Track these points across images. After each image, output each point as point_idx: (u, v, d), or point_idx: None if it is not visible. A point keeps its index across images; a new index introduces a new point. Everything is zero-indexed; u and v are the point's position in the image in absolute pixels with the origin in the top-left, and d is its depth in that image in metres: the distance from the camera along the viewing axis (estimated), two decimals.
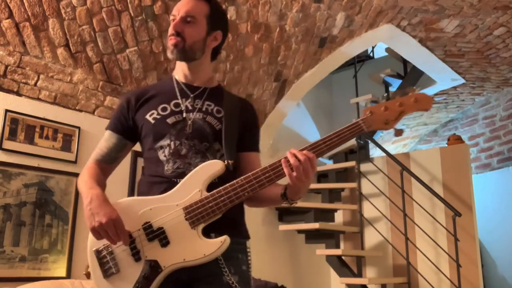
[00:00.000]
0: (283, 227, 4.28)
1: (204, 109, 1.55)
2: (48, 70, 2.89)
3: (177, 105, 1.55)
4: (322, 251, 4.10)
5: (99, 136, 3.05)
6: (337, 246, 4.20)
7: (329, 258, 4.14)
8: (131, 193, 3.21)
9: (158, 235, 1.37)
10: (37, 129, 2.82)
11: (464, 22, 3.99)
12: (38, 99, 2.87)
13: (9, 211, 2.63)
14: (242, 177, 1.38)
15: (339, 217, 4.79)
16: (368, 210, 4.51)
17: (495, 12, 3.82)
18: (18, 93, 2.79)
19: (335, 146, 1.39)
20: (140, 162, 3.26)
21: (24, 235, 2.66)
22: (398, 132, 1.43)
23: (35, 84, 2.86)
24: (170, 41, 1.53)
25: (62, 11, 2.79)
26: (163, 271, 1.35)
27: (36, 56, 2.83)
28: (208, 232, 1.38)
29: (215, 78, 1.69)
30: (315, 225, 4.01)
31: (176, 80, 1.62)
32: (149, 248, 1.37)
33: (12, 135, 2.71)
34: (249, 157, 1.58)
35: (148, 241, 1.37)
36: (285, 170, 1.33)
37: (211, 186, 1.40)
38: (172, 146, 1.48)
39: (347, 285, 4.02)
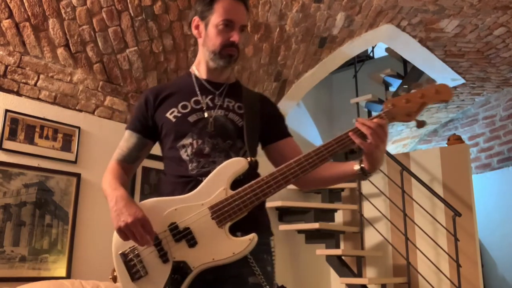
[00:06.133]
0: (283, 227, 4.28)
1: (225, 105, 1.53)
2: (48, 70, 2.89)
3: (197, 102, 1.52)
4: (322, 251, 4.10)
5: (99, 136, 3.09)
6: (337, 246, 4.20)
7: (329, 258, 4.14)
8: (131, 190, 3.20)
9: (185, 236, 1.36)
10: (37, 129, 2.82)
11: (464, 22, 3.99)
12: (38, 99, 2.87)
13: (9, 211, 2.63)
14: (267, 174, 1.38)
15: (339, 217, 4.79)
16: (368, 210, 4.51)
17: (495, 12, 3.82)
18: (18, 93, 2.79)
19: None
20: (139, 169, 3.25)
21: (24, 235, 2.66)
22: (420, 124, 1.40)
23: (35, 84, 2.85)
24: (228, 51, 1.50)
25: (62, 11, 2.79)
26: (193, 271, 1.34)
27: (36, 56, 2.83)
28: (234, 231, 1.37)
29: (233, 73, 1.67)
30: (315, 225, 4.01)
31: (196, 76, 1.59)
32: (177, 249, 1.36)
33: (12, 135, 2.71)
34: (286, 144, 1.58)
35: (175, 242, 1.36)
36: (357, 141, 1.33)
37: (235, 183, 1.39)
38: (195, 145, 1.46)
39: (347, 285, 4.02)
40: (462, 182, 4.19)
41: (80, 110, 3.06)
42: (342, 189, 4.77)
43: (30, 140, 2.77)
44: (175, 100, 1.53)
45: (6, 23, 2.66)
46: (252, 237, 1.34)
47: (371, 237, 4.52)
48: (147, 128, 1.55)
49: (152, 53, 3.23)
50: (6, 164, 2.66)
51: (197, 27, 1.56)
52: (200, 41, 1.57)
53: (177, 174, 1.47)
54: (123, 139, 1.58)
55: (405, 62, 5.33)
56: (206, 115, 1.49)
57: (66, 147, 2.93)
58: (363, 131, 1.32)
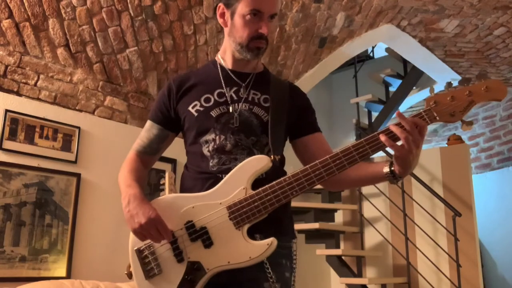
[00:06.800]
0: None
1: (250, 98, 1.44)
2: (48, 70, 2.89)
3: (221, 95, 1.44)
4: (322, 251, 4.10)
5: (99, 136, 3.09)
6: (337, 246, 4.20)
7: (329, 258, 4.14)
8: None
9: (201, 235, 1.31)
10: (37, 129, 2.82)
11: (464, 22, 3.99)
12: (38, 99, 2.87)
13: (9, 211, 2.63)
14: (290, 175, 1.29)
15: (339, 217, 4.79)
16: (368, 210, 4.51)
17: (495, 12, 3.82)
18: (18, 93, 2.79)
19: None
20: None
21: (24, 235, 2.66)
22: (468, 125, 1.24)
23: (35, 84, 2.86)
24: (256, 44, 1.40)
25: (62, 11, 2.79)
26: (207, 273, 1.29)
27: (36, 56, 2.83)
28: (252, 233, 1.31)
29: (260, 61, 1.56)
30: (315, 225, 4.01)
31: (221, 66, 1.50)
32: (192, 249, 1.31)
33: (12, 135, 2.71)
34: (314, 139, 1.50)
35: (191, 241, 1.31)
36: (387, 143, 1.21)
37: (256, 182, 1.32)
38: (217, 141, 1.39)
39: (347, 285, 4.02)
40: (462, 182, 4.19)
41: (80, 110, 3.06)
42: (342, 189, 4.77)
43: (30, 140, 2.77)
44: (198, 92, 1.45)
45: (6, 23, 2.66)
46: (271, 242, 1.27)
47: (371, 237, 4.52)
48: (169, 119, 1.49)
49: (152, 53, 3.23)
50: (6, 164, 2.66)
51: (222, 15, 1.46)
52: (226, 30, 1.47)
53: (198, 170, 1.42)
54: (144, 128, 1.52)
55: (405, 62, 5.33)
56: (230, 109, 1.41)
57: (66, 147, 2.93)
58: (396, 133, 1.20)
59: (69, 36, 2.88)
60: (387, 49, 5.21)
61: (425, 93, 5.32)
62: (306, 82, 4.31)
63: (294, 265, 1.41)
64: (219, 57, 1.53)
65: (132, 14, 3.00)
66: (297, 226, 4.17)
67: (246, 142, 1.40)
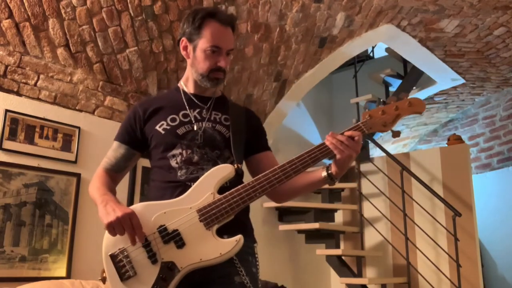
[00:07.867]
0: (283, 227, 4.28)
1: (212, 118, 1.60)
2: (48, 70, 2.89)
3: (185, 115, 1.59)
4: (322, 251, 4.10)
5: (99, 136, 3.09)
6: (337, 246, 4.20)
7: (329, 258, 4.14)
8: (130, 199, 3.19)
9: (174, 237, 1.40)
10: (37, 129, 2.82)
11: (464, 22, 3.99)
12: (38, 99, 2.87)
13: (9, 211, 2.63)
14: (253, 179, 1.45)
15: (339, 217, 4.79)
16: (368, 210, 4.51)
17: (495, 12, 3.82)
18: (18, 93, 2.79)
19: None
20: (139, 169, 3.25)
21: (24, 235, 2.66)
22: (396, 134, 1.50)
23: (35, 84, 2.85)
24: (215, 75, 1.57)
25: (62, 11, 2.79)
26: (181, 271, 1.38)
27: (36, 56, 2.83)
28: (220, 234, 1.42)
29: (219, 87, 1.74)
30: (315, 225, 4.01)
31: (184, 91, 1.65)
32: (165, 250, 1.40)
33: (12, 135, 2.71)
34: (266, 156, 1.67)
35: (164, 243, 1.40)
36: (331, 146, 1.41)
37: (222, 190, 1.44)
38: (184, 155, 1.53)
39: (347, 285, 4.02)
40: (462, 182, 4.19)
41: (80, 110, 3.06)
42: (342, 189, 4.77)
43: (30, 140, 2.77)
44: (164, 114, 1.59)
45: (6, 23, 2.66)
46: (239, 238, 1.39)
47: (371, 237, 4.52)
48: (135, 140, 1.62)
49: (152, 53, 3.23)
50: (6, 164, 2.66)
51: (185, 48, 1.62)
52: (188, 61, 1.63)
53: (166, 180, 1.53)
54: (111, 149, 1.66)
55: (405, 62, 5.33)
56: (195, 127, 1.56)
57: (66, 147, 2.93)
58: (333, 143, 1.40)
59: (69, 36, 2.88)
60: (387, 49, 5.21)
61: (425, 93, 5.32)
62: (306, 82, 4.30)
63: (258, 264, 1.56)
64: (181, 84, 1.68)
65: (132, 14, 3.00)
66: (297, 226, 4.18)
67: (211, 155, 1.54)
